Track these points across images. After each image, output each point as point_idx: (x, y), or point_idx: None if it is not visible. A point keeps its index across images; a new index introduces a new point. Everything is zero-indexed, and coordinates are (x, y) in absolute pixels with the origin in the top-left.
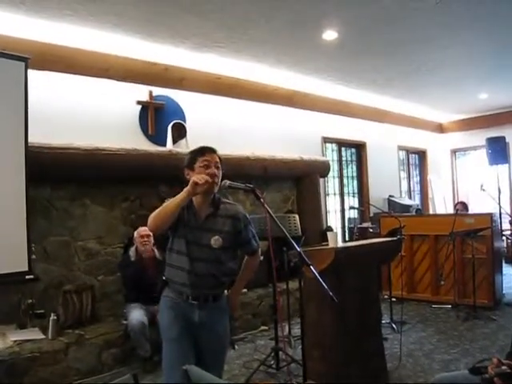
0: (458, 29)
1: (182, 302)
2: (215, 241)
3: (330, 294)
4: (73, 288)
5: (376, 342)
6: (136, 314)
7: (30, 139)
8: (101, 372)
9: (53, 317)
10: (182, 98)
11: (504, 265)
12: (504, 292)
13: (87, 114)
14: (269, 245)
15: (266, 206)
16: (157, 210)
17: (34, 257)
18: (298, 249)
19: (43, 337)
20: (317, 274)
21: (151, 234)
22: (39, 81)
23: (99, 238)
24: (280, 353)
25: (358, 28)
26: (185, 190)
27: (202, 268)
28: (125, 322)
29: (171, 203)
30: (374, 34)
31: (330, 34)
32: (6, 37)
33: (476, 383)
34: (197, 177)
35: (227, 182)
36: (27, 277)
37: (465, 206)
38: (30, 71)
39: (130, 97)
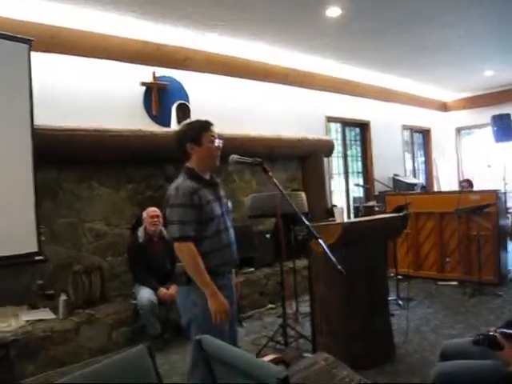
0: (463, 5)
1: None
2: (229, 205)
3: (339, 266)
4: (82, 268)
5: (383, 317)
6: (145, 293)
7: (36, 122)
8: (111, 350)
9: (63, 297)
10: (186, 78)
11: (509, 242)
12: (509, 268)
13: (92, 96)
14: (276, 223)
15: (274, 180)
16: (191, 256)
17: (43, 238)
18: (307, 223)
19: (54, 317)
20: (325, 247)
21: (160, 213)
22: (43, 63)
23: (106, 219)
24: (288, 329)
25: (363, 4)
26: (212, 291)
27: (231, 235)
28: (134, 301)
29: (198, 270)
30: (378, 10)
31: (333, 11)
32: (6, 19)
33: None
34: (220, 312)
35: (235, 157)
36: (37, 258)
37: (470, 183)
38: (33, 54)
39: (133, 78)
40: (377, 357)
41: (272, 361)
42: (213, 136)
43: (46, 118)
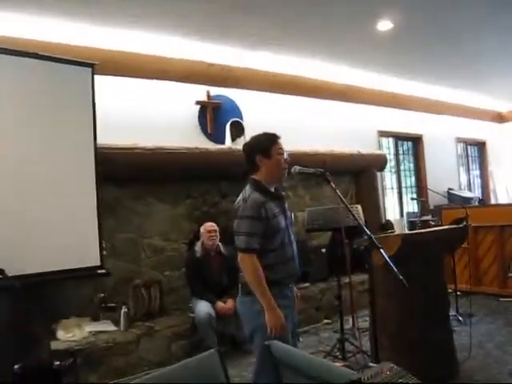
0: None
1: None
2: (291, 218)
3: (400, 277)
4: (142, 282)
5: (445, 331)
6: (203, 307)
7: (98, 141)
8: (170, 363)
9: (124, 309)
10: (239, 96)
11: None
12: None
13: (150, 116)
14: (331, 237)
15: (336, 190)
16: (253, 268)
17: (104, 253)
18: (369, 233)
19: (115, 328)
20: (387, 257)
21: (217, 228)
22: (104, 85)
23: (164, 234)
24: (345, 344)
25: (413, 17)
26: (270, 305)
27: (294, 249)
28: (192, 314)
29: (259, 283)
30: (429, 22)
31: (385, 25)
32: (73, 46)
33: None
34: (276, 327)
35: (297, 168)
36: (99, 271)
37: None
38: (96, 77)
39: (188, 97)
40: (439, 372)
41: None
42: (281, 149)
43: (106, 138)
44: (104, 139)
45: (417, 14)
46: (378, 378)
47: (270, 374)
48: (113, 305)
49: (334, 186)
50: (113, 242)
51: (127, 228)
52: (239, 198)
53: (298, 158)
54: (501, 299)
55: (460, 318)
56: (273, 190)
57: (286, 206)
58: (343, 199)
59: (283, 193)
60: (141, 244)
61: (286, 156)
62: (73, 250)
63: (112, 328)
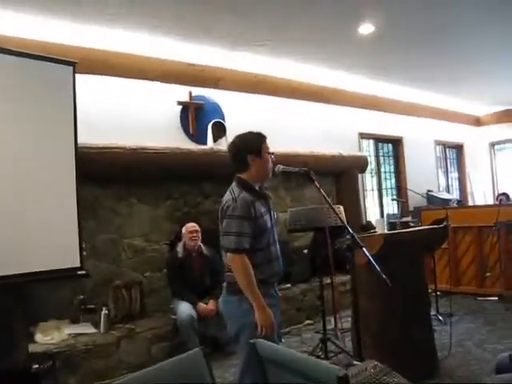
0: (495, 10)
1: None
2: (275, 218)
3: (383, 276)
4: (122, 283)
5: (426, 330)
6: (185, 308)
7: (78, 140)
8: (151, 365)
9: (104, 311)
10: (221, 97)
11: None
12: None
13: (131, 116)
14: (313, 238)
15: (321, 190)
16: (244, 268)
17: (84, 254)
18: (352, 232)
19: (95, 331)
20: (369, 256)
21: (199, 229)
22: (85, 84)
23: (145, 235)
24: (328, 344)
25: (395, 21)
26: (261, 304)
27: (278, 248)
28: (173, 316)
29: (249, 283)
30: (410, 27)
31: (366, 28)
32: (53, 44)
33: None
34: (266, 326)
35: (281, 167)
36: (79, 272)
37: (507, 196)
38: (77, 75)
39: (170, 97)
40: (421, 370)
41: None
42: (268, 148)
43: (87, 137)
44: (85, 139)
45: (398, 17)
46: (363, 375)
47: (255, 372)
48: (93, 306)
49: (318, 185)
50: (93, 242)
51: (108, 228)
52: (227, 198)
53: (279, 159)
54: (478, 298)
55: (440, 318)
56: (257, 188)
57: (271, 205)
58: (327, 198)
59: (267, 192)
60: (121, 245)
61: (272, 156)
62: (52, 250)
63: (92, 330)
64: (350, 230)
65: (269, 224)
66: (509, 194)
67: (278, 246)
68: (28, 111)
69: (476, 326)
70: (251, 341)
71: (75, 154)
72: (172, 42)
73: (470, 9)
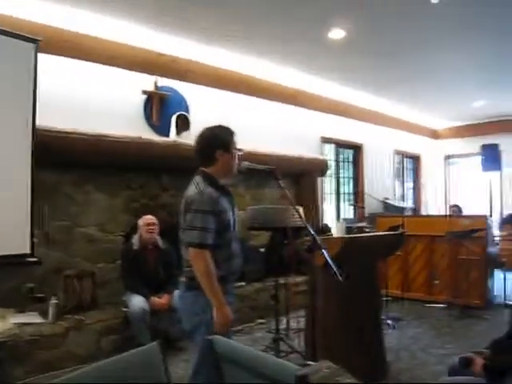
0: (458, 32)
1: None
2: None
3: (337, 274)
4: (74, 273)
5: (378, 333)
6: (137, 301)
7: (37, 123)
8: (99, 358)
9: (53, 300)
10: (187, 90)
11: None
12: (495, 294)
13: (93, 101)
14: (271, 237)
15: (286, 190)
16: (205, 264)
17: (36, 240)
18: (313, 233)
19: (43, 321)
20: (327, 256)
21: (156, 222)
22: (47, 65)
23: (101, 225)
24: (280, 344)
25: (366, 27)
26: (221, 302)
27: (238, 246)
28: (125, 309)
29: (210, 279)
30: (380, 34)
31: (337, 33)
32: (15, 18)
33: None
34: (223, 324)
35: (246, 164)
36: (29, 259)
37: (459, 208)
38: (40, 55)
39: (135, 86)
40: (371, 372)
41: None
42: (236, 144)
43: (46, 120)
44: (44, 121)
45: (369, 25)
46: (318, 375)
47: (210, 369)
48: (41, 295)
49: (282, 184)
50: (46, 229)
51: (62, 216)
52: (192, 191)
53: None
54: (426, 305)
55: (389, 322)
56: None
57: (234, 202)
58: (290, 198)
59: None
60: (75, 233)
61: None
62: (1, 235)
63: (39, 320)
64: (312, 232)
65: (231, 221)
66: (460, 206)
67: (238, 244)
68: None
69: (422, 330)
70: (208, 337)
71: (32, 136)
72: (143, 29)
73: (436, 27)
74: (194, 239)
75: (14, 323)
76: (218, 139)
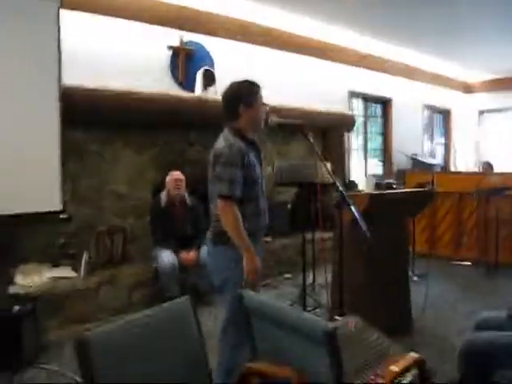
0: None
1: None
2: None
3: (367, 232)
4: (105, 229)
5: (404, 290)
6: (166, 256)
7: (63, 81)
8: (130, 311)
9: (85, 256)
10: (213, 45)
11: None
12: None
13: (119, 57)
14: (297, 193)
15: (314, 145)
16: (234, 214)
17: (67, 197)
18: (341, 189)
19: (76, 275)
20: (356, 212)
21: (183, 178)
22: (72, 22)
23: (129, 182)
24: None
25: None
26: (248, 246)
27: (265, 201)
28: (155, 264)
29: (239, 228)
30: None
31: None
32: None
33: None
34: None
35: (274, 119)
36: (61, 216)
37: (490, 165)
38: (63, 11)
39: (161, 41)
40: (396, 328)
41: None
42: (261, 98)
43: (73, 78)
44: (70, 80)
45: None
46: (344, 330)
47: (240, 323)
48: (73, 251)
49: (311, 139)
50: (76, 187)
51: (91, 173)
52: (221, 144)
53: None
54: (453, 262)
55: (415, 279)
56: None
57: (262, 157)
58: (319, 154)
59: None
60: (105, 190)
61: (266, 107)
62: (33, 193)
63: (72, 274)
64: (340, 188)
65: (259, 176)
66: (492, 163)
67: (266, 200)
68: (6, 48)
69: (449, 288)
70: (238, 291)
71: (59, 94)
72: None
73: None
74: (223, 190)
75: (49, 277)
76: (241, 95)
